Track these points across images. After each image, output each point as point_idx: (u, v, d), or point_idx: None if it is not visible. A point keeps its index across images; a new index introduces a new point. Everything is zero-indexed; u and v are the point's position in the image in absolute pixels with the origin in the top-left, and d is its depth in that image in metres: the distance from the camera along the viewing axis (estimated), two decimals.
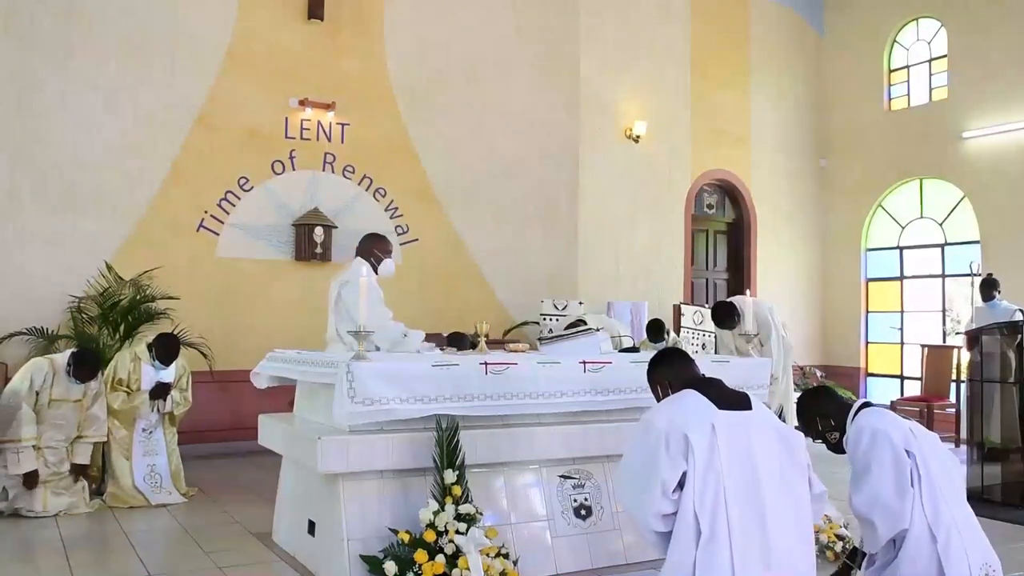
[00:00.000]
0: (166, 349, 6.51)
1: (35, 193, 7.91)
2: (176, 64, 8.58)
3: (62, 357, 6.17)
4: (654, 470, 2.65)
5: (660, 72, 11.64)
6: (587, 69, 10.95)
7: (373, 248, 5.84)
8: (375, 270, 5.74)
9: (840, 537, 4.83)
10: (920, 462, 2.92)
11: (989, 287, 9.11)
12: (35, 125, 7.96)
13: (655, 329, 8.62)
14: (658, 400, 3.11)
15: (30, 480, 5.86)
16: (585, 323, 6.99)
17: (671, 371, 3.11)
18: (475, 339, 5.53)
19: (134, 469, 6.38)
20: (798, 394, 8.96)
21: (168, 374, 6.57)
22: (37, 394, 6.00)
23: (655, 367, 3.22)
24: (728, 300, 8.28)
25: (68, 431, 6.12)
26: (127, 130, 8.34)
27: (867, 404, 3.24)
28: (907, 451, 2.93)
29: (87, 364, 6.11)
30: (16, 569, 4.84)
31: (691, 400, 2.78)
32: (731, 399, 2.82)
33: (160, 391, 6.49)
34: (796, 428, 3.11)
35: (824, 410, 3.28)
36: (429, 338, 5.71)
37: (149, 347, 6.55)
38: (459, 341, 6.12)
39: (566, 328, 6.76)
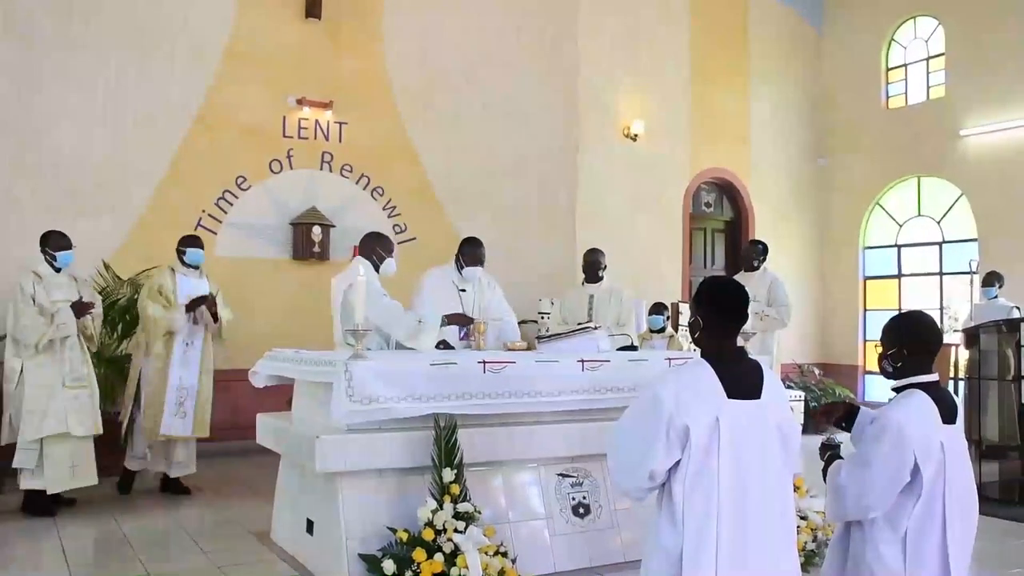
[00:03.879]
0: (192, 240, 6.87)
1: (33, 192, 7.91)
2: (174, 63, 8.57)
3: (42, 265, 6.23)
4: (649, 454, 2.60)
5: (658, 71, 11.64)
6: (586, 68, 10.95)
7: (375, 247, 5.82)
8: (376, 269, 5.72)
9: None
10: (928, 481, 2.84)
11: (992, 277, 9.19)
12: (33, 125, 7.95)
13: (657, 310, 8.75)
14: (691, 326, 2.88)
15: (80, 309, 6.09)
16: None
17: (718, 322, 2.79)
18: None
19: (169, 382, 6.55)
20: (794, 392, 9.03)
21: (203, 286, 6.80)
22: (33, 299, 6.04)
23: (711, 304, 2.82)
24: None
25: (70, 330, 6.14)
26: (125, 129, 8.33)
27: (932, 387, 2.93)
28: (917, 466, 2.83)
29: (52, 235, 6.26)
30: (15, 570, 4.84)
31: (703, 381, 2.66)
32: (743, 385, 2.69)
33: (196, 303, 6.65)
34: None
35: (910, 354, 2.96)
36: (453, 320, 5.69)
37: (179, 253, 6.80)
38: (474, 245, 6.10)
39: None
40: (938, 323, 3.12)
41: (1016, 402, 6.88)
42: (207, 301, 6.69)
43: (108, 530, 5.66)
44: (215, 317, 6.73)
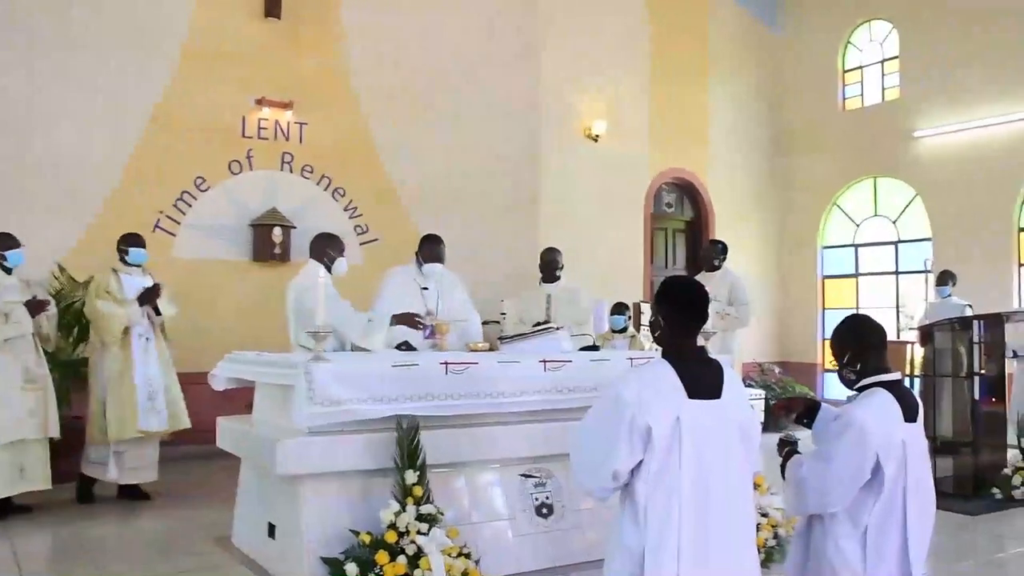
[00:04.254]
0: (133, 239, 6.65)
1: None
2: (129, 61, 8.44)
3: None
4: (612, 454, 2.61)
5: (619, 72, 11.69)
6: (548, 69, 10.97)
7: (326, 248, 5.84)
8: (328, 270, 5.70)
9: None
10: (890, 478, 2.89)
11: (946, 276, 9.39)
12: None
13: (619, 310, 8.75)
14: (652, 326, 2.90)
15: (35, 307, 6.04)
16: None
17: (679, 322, 2.81)
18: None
19: (135, 379, 6.40)
20: (754, 391, 9.12)
21: (148, 283, 6.62)
22: None
23: (672, 303, 2.83)
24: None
25: (26, 328, 6.06)
26: (80, 129, 8.19)
27: (894, 386, 2.98)
28: (879, 463, 2.88)
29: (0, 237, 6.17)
30: None
31: (663, 381, 2.67)
32: (703, 384, 2.71)
33: (147, 295, 6.51)
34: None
35: (864, 355, 3.01)
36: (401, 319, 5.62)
37: (120, 252, 6.62)
38: (432, 242, 6.09)
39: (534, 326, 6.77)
40: (877, 320, 3.17)
41: (969, 399, 7.02)
42: (157, 290, 6.57)
43: (65, 537, 5.56)
44: (156, 310, 6.61)
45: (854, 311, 12.37)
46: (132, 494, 6.59)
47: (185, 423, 6.69)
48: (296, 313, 5.58)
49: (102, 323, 6.42)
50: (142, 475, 6.59)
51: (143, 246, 6.70)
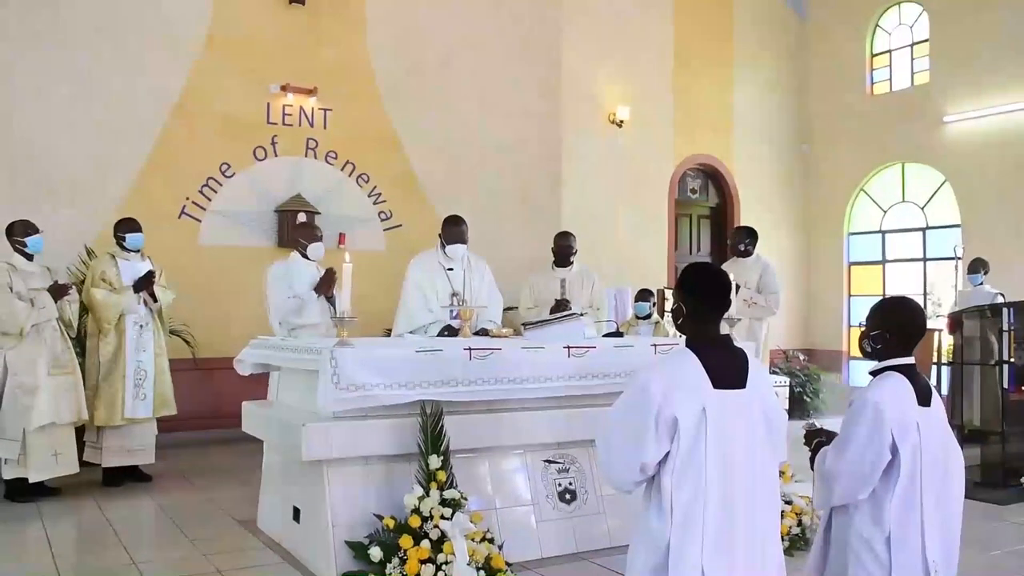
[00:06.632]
0: (129, 224, 6.69)
1: (11, 183, 7.79)
2: (153, 49, 8.47)
3: (14, 256, 6.18)
4: (640, 447, 2.60)
5: (643, 57, 11.62)
6: (569, 55, 10.91)
7: (296, 237, 6.57)
8: (304, 256, 6.33)
9: None
10: (907, 460, 2.87)
11: (978, 264, 9.28)
12: (7, 115, 7.84)
13: (643, 297, 8.71)
14: (674, 313, 2.89)
15: (57, 291, 6.14)
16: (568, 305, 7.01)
17: (700, 309, 2.80)
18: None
19: (127, 366, 6.46)
20: (778, 378, 9.01)
21: (147, 267, 6.67)
22: (11, 288, 6.00)
23: (693, 290, 2.82)
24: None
25: (51, 313, 6.14)
26: (103, 117, 8.23)
27: (908, 370, 2.98)
28: (895, 444, 2.87)
29: (16, 224, 6.21)
30: None
31: (688, 371, 2.66)
32: (728, 373, 2.69)
33: (143, 281, 6.55)
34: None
35: (894, 334, 3.00)
36: None
37: (118, 239, 6.66)
38: (454, 223, 6.20)
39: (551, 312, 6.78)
40: (924, 311, 3.14)
41: (998, 387, 6.93)
42: (152, 277, 6.59)
43: (92, 518, 5.64)
44: (153, 296, 6.63)
45: (882, 297, 12.25)
46: (133, 476, 6.64)
47: (172, 409, 6.73)
48: (268, 297, 6.21)
49: (98, 311, 6.47)
50: (139, 457, 6.61)
51: (140, 231, 6.71)
